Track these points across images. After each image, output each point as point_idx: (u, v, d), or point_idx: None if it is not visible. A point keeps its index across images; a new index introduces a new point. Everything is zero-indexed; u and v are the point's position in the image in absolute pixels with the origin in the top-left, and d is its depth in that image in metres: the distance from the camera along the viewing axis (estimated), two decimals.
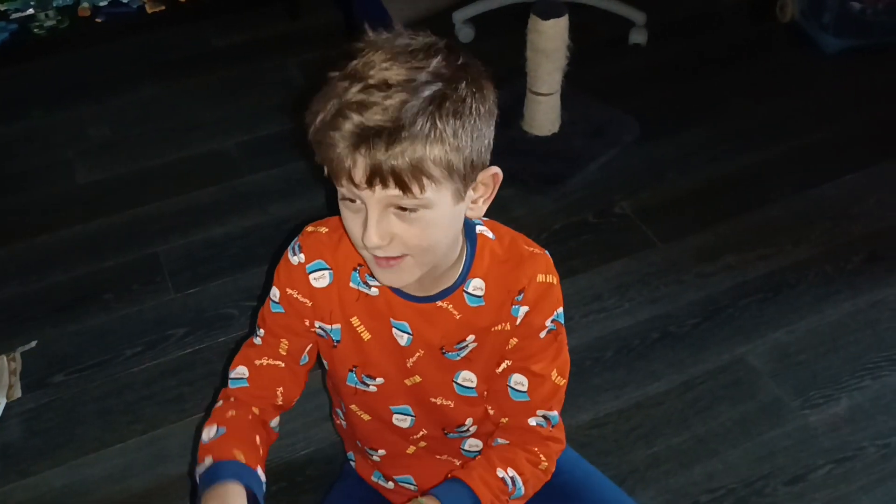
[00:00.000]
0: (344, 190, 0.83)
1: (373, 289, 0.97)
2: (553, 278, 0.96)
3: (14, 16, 2.34)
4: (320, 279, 0.98)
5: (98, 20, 2.36)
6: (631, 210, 1.90)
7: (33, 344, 1.64)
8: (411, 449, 1.12)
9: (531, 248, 0.97)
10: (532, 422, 1.01)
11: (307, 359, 1.05)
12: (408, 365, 1.00)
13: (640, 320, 1.66)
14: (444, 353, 0.99)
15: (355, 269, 0.97)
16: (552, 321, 0.97)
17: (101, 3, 2.38)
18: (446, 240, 0.88)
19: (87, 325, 1.68)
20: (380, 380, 1.03)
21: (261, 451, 0.98)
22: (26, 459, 1.46)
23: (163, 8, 2.37)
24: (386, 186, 0.79)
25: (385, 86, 0.78)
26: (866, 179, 1.95)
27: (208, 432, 0.98)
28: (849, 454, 1.44)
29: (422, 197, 0.80)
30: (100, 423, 1.51)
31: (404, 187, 0.79)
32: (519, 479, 0.97)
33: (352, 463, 1.25)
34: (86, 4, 2.37)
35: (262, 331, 1.03)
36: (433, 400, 1.03)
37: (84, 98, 2.23)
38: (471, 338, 0.98)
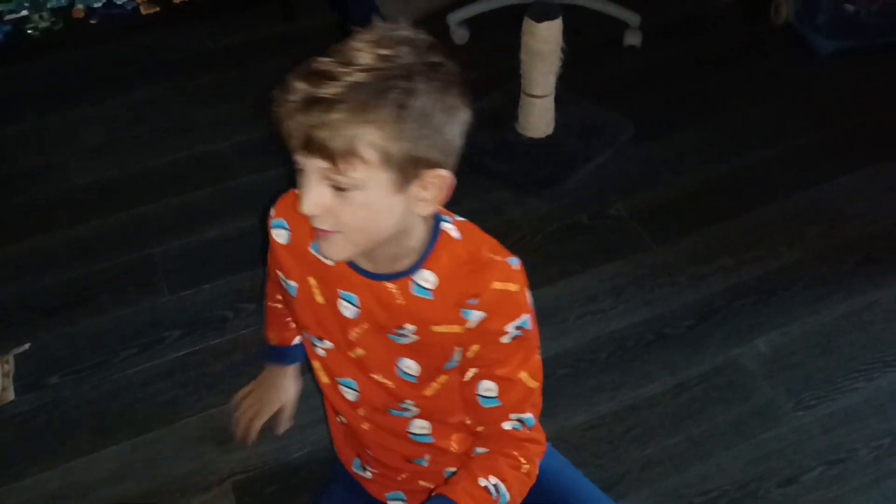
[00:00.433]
0: (295, 156, 0.86)
1: (328, 259, 0.98)
2: (514, 286, 0.95)
3: (8, 17, 2.34)
4: (279, 237, 1.03)
5: (92, 21, 2.36)
6: (626, 211, 1.90)
7: (27, 346, 1.64)
8: (365, 425, 1.11)
9: (493, 255, 0.96)
10: (507, 426, 1.00)
11: None
12: (350, 337, 1.02)
13: (635, 322, 1.67)
14: (387, 334, 1.00)
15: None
16: (516, 328, 0.95)
17: (96, 5, 2.38)
18: (382, 226, 0.88)
19: (81, 326, 1.68)
20: (329, 344, 1.05)
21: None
22: (20, 462, 1.46)
23: (157, 9, 2.37)
24: (315, 156, 0.82)
25: (348, 64, 0.81)
26: (861, 181, 1.95)
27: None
28: (842, 456, 1.45)
29: (352, 176, 0.82)
30: (94, 426, 1.51)
31: (332, 160, 0.82)
32: (502, 486, 0.97)
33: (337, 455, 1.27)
34: (80, 6, 2.37)
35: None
36: (374, 376, 1.05)
37: (79, 99, 2.23)
38: (410, 328, 0.98)
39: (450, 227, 0.96)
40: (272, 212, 1.03)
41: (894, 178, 1.96)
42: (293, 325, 1.22)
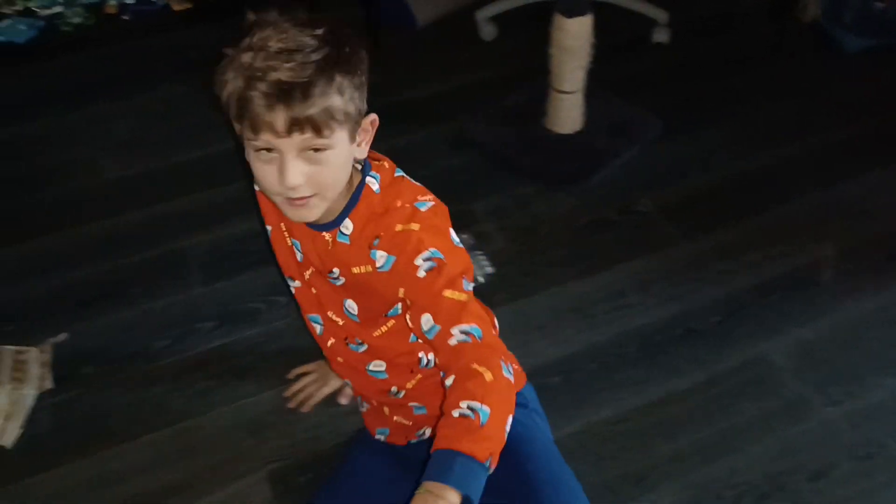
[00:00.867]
0: (260, 143, 0.98)
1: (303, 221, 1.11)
2: (416, 225, 1.05)
3: (42, 13, 2.38)
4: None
5: (125, 17, 2.39)
6: (653, 207, 1.91)
7: (64, 336, 1.66)
8: (339, 358, 1.27)
9: (404, 203, 1.07)
10: (453, 342, 1.00)
11: None
12: (305, 277, 1.19)
13: (663, 317, 1.67)
14: (327, 277, 1.15)
15: None
16: (425, 259, 1.03)
17: (128, 1, 2.41)
18: (344, 177, 1.05)
19: (115, 318, 1.71)
20: (297, 283, 1.22)
21: None
22: (56, 450, 1.49)
23: (189, 6, 2.39)
24: (303, 132, 0.96)
25: (286, 52, 0.94)
26: (888, 178, 1.95)
27: None
28: (871, 451, 1.45)
29: (330, 138, 0.98)
30: (129, 415, 1.54)
31: (318, 130, 0.96)
32: (476, 403, 0.94)
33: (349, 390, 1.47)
34: (112, 2, 2.40)
35: None
36: (329, 314, 1.21)
37: (110, 95, 2.26)
38: (336, 271, 1.13)
39: (372, 181, 1.09)
40: None
41: None
42: None
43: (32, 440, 1.50)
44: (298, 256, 1.17)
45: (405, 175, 1.14)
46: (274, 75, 0.93)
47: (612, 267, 1.78)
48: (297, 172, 0.99)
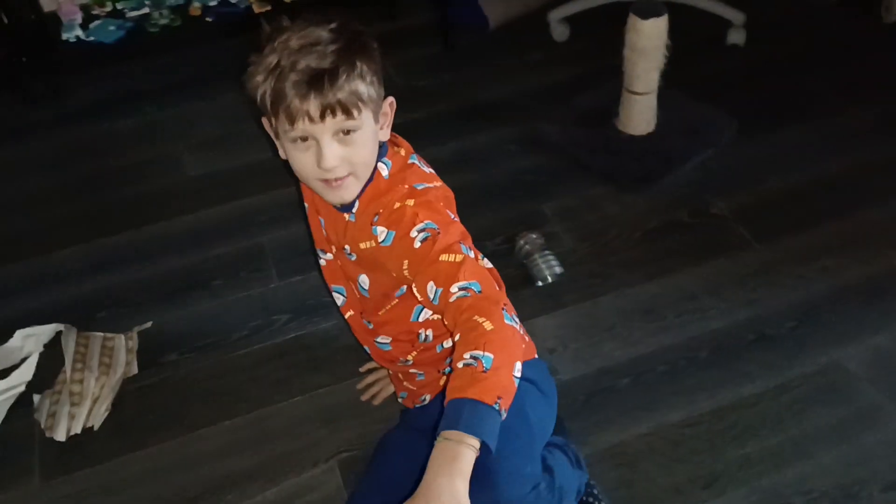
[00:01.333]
0: (297, 132, 1.06)
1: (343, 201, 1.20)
2: (411, 201, 1.12)
3: (130, 14, 2.48)
4: None
5: (208, 19, 2.46)
6: (727, 210, 1.89)
7: (149, 325, 1.74)
8: (357, 328, 1.37)
9: (404, 185, 1.14)
10: (453, 298, 1.04)
11: None
12: (332, 250, 1.28)
13: (736, 321, 1.66)
14: (343, 253, 1.23)
15: None
16: (419, 230, 1.10)
17: (211, 3, 2.49)
18: (373, 155, 1.13)
19: (197, 308, 1.78)
20: (329, 255, 1.30)
21: None
22: (141, 432, 1.56)
23: (269, 8, 2.46)
24: (335, 115, 1.04)
25: (307, 46, 1.04)
26: None
27: None
28: None
29: (358, 119, 1.06)
30: (209, 402, 1.60)
31: (348, 113, 1.05)
32: (478, 352, 0.97)
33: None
34: (197, 4, 2.48)
35: None
36: (351, 284, 1.30)
37: (194, 95, 2.35)
38: (348, 247, 1.21)
39: (382, 167, 1.16)
40: None
41: None
42: None
43: (118, 423, 1.58)
44: (323, 231, 1.28)
45: (420, 162, 1.20)
46: (301, 64, 1.02)
47: (683, 270, 1.77)
48: (333, 154, 1.07)
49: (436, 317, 1.25)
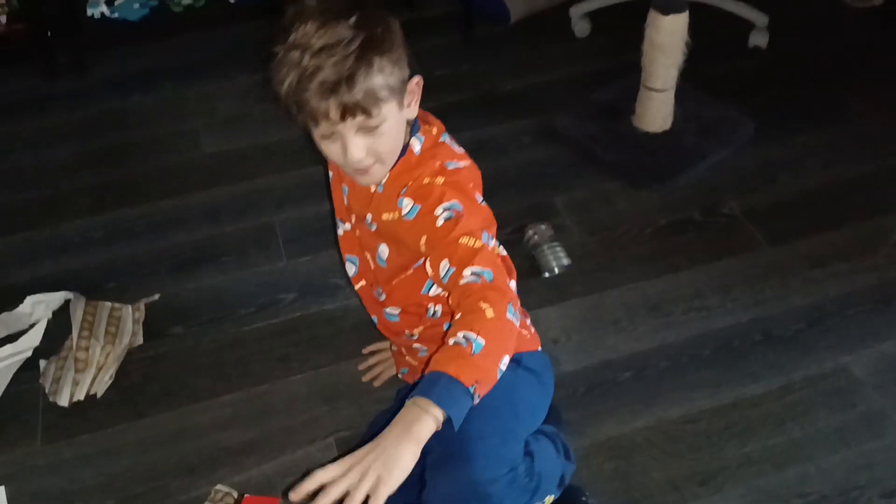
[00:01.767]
0: (323, 129, 1.09)
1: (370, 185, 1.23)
2: (441, 179, 1.13)
3: None
4: None
5: (231, 1, 2.48)
6: (739, 210, 1.87)
7: (156, 297, 1.75)
8: (366, 298, 1.38)
9: (435, 161, 1.15)
10: (463, 281, 1.06)
11: None
12: (352, 220, 1.30)
13: (742, 321, 1.65)
14: (364, 223, 1.25)
15: None
16: (444, 209, 1.11)
17: None
18: (399, 141, 1.15)
19: (205, 283, 1.79)
20: (347, 226, 1.32)
21: None
22: (143, 402, 1.57)
23: None
24: (355, 116, 1.07)
25: (327, 48, 1.04)
26: None
27: None
28: None
29: (380, 115, 1.08)
30: (212, 374, 1.61)
31: (367, 113, 1.06)
32: (472, 334, 0.98)
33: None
34: None
35: None
36: (366, 254, 1.30)
37: (214, 74, 2.36)
38: (369, 217, 1.22)
39: (415, 143, 1.17)
40: None
41: None
42: None
43: (121, 391, 1.59)
44: (345, 200, 1.29)
45: (451, 140, 1.21)
46: (321, 75, 1.04)
47: (692, 267, 1.76)
48: (358, 148, 1.10)
49: (446, 293, 1.24)
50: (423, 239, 1.13)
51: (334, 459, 0.94)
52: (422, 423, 0.93)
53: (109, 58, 2.44)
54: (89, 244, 1.89)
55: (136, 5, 2.44)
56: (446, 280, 1.08)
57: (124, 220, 1.95)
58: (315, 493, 0.91)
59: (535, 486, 1.22)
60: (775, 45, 2.30)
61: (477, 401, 0.97)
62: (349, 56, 1.04)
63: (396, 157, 1.16)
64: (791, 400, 1.51)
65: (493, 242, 1.12)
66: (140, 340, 1.67)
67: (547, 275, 1.75)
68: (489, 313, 1.01)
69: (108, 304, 1.71)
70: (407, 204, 1.15)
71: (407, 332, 1.35)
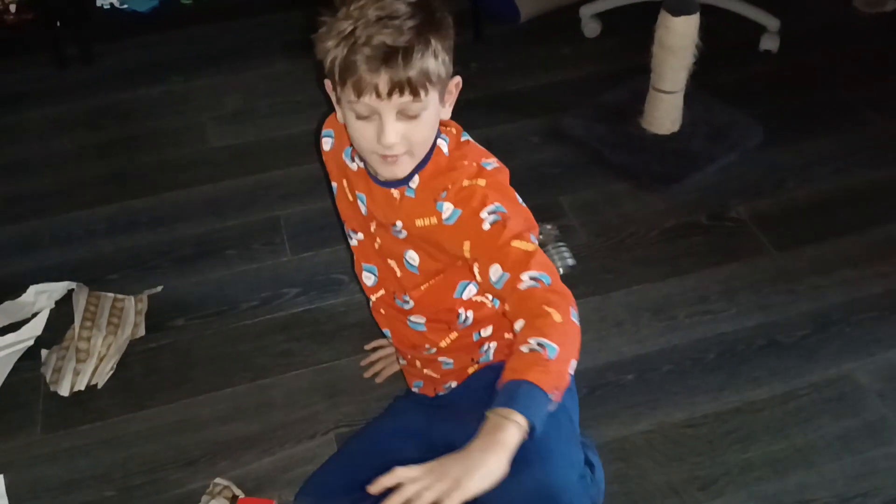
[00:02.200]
0: (361, 106, 1.03)
1: (354, 164, 1.21)
2: (482, 181, 1.10)
3: None
4: (326, 144, 1.28)
5: None
6: (746, 215, 1.87)
7: (159, 289, 1.75)
8: (382, 310, 1.33)
9: (471, 162, 1.13)
10: (522, 286, 1.03)
11: None
12: (371, 230, 1.24)
13: (747, 326, 1.64)
14: (390, 230, 1.20)
15: (350, 146, 1.19)
16: (490, 213, 1.08)
17: None
18: (432, 135, 1.11)
19: (209, 276, 1.79)
20: (361, 235, 1.28)
21: None
22: (144, 393, 1.57)
23: None
24: (403, 95, 1.01)
25: (384, 18, 1.00)
26: None
27: None
28: None
29: (424, 101, 1.03)
30: (213, 368, 1.61)
31: (416, 93, 1.02)
32: (545, 339, 0.97)
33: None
34: None
35: None
36: (389, 261, 1.25)
37: (221, 67, 2.36)
38: (399, 224, 1.17)
39: (442, 143, 1.14)
40: (323, 126, 1.28)
41: None
42: None
43: (122, 382, 1.59)
44: (363, 210, 1.23)
45: (471, 139, 1.19)
46: (377, 39, 0.99)
47: (697, 271, 1.75)
48: (395, 132, 1.05)
49: (478, 298, 1.22)
50: (467, 244, 1.10)
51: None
52: (506, 432, 0.91)
53: (118, 49, 2.44)
54: (94, 235, 1.89)
55: None
56: (500, 286, 1.06)
57: (129, 212, 1.95)
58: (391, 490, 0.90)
59: (594, 496, 1.22)
60: (786, 49, 2.29)
61: (554, 407, 0.96)
62: (409, 30, 1.00)
63: (425, 154, 1.12)
64: (794, 406, 1.50)
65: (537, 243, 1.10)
66: (142, 332, 1.67)
67: None
68: (557, 317, 1.00)
69: (111, 295, 1.71)
70: (447, 209, 1.10)
71: (427, 346, 1.30)
